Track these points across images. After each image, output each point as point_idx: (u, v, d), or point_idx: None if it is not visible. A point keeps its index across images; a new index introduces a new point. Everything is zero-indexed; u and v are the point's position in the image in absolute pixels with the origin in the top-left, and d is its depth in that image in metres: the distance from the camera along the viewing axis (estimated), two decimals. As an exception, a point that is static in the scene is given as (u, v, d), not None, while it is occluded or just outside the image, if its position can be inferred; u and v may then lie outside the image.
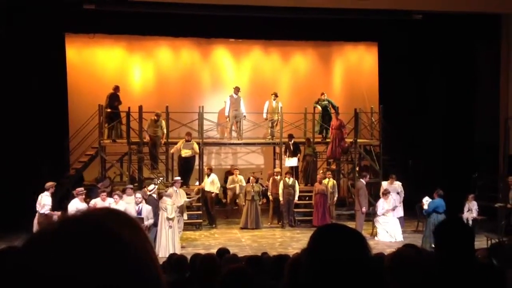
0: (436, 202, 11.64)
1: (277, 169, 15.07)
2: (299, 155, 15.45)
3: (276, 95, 16.32)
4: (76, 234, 0.79)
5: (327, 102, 16.35)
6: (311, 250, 1.56)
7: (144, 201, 11.20)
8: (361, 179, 13.86)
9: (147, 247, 0.85)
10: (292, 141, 15.41)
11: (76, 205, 10.80)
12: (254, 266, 4.99)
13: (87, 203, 11.22)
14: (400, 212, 13.76)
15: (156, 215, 11.45)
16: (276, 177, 14.68)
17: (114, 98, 14.99)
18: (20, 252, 0.80)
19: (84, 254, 0.77)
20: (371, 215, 13.73)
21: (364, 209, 13.26)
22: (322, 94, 16.44)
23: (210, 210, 14.60)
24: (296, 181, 14.70)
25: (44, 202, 11.11)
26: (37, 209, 11.18)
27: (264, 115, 16.43)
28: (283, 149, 15.69)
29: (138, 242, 0.83)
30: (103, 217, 0.84)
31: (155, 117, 14.62)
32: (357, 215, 13.48)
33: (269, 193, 14.93)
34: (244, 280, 3.30)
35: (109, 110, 14.87)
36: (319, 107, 16.37)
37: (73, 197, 11.35)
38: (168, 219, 11.33)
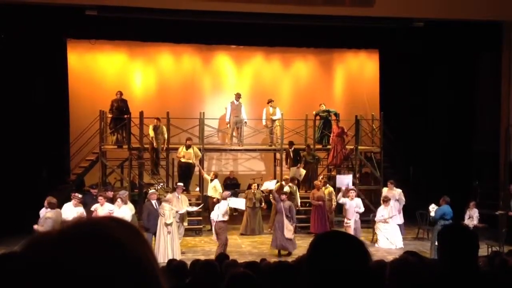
0: (443, 209, 11.60)
1: (286, 176, 14.90)
2: (299, 163, 15.39)
3: (271, 101, 16.43)
4: (77, 238, 0.81)
5: (326, 113, 16.40)
6: (310, 258, 1.56)
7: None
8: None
9: (147, 253, 0.86)
10: (293, 148, 15.40)
11: (69, 209, 10.75)
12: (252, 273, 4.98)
13: (88, 209, 11.21)
14: (399, 219, 13.60)
15: (151, 220, 11.48)
16: (284, 184, 14.48)
17: (121, 105, 15.06)
18: (21, 253, 0.81)
19: (85, 256, 0.79)
20: (370, 222, 13.72)
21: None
22: (320, 105, 16.49)
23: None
24: (297, 188, 14.65)
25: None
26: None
27: (264, 122, 16.53)
28: (283, 156, 15.67)
29: (139, 247, 0.85)
30: (104, 224, 0.86)
31: (156, 123, 14.66)
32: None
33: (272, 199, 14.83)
34: (248, 285, 3.30)
35: (109, 115, 14.95)
36: (321, 116, 16.45)
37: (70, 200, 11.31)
38: (166, 224, 11.32)
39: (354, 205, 12.88)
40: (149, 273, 0.84)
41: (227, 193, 12.44)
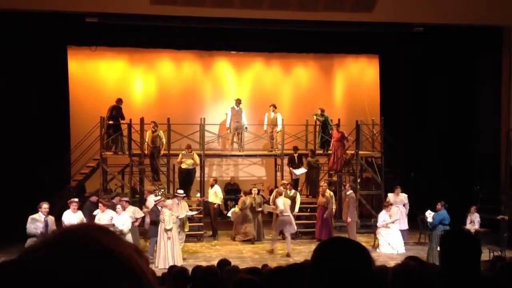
0: (442, 214, 11.60)
1: (284, 181, 14.90)
2: (301, 166, 15.44)
3: (274, 107, 16.42)
4: (73, 248, 0.82)
5: (324, 118, 16.37)
6: (314, 264, 1.55)
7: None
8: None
9: (141, 262, 0.87)
10: (297, 153, 15.41)
11: (68, 215, 10.83)
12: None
13: (91, 215, 11.26)
14: (405, 224, 13.71)
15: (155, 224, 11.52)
16: (281, 189, 14.45)
17: (118, 112, 14.99)
18: (18, 261, 0.82)
19: (80, 265, 0.79)
20: (372, 227, 13.70)
21: (348, 219, 13.24)
22: (321, 110, 16.41)
23: (212, 221, 14.56)
24: (298, 193, 14.60)
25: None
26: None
27: (265, 127, 16.55)
28: (285, 161, 15.64)
29: (132, 257, 0.85)
30: (98, 233, 0.86)
31: (153, 128, 14.65)
32: (348, 226, 13.42)
33: (272, 205, 14.80)
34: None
35: (111, 122, 14.89)
36: (319, 119, 16.43)
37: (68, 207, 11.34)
38: (166, 230, 11.31)
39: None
40: (143, 282, 0.84)
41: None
